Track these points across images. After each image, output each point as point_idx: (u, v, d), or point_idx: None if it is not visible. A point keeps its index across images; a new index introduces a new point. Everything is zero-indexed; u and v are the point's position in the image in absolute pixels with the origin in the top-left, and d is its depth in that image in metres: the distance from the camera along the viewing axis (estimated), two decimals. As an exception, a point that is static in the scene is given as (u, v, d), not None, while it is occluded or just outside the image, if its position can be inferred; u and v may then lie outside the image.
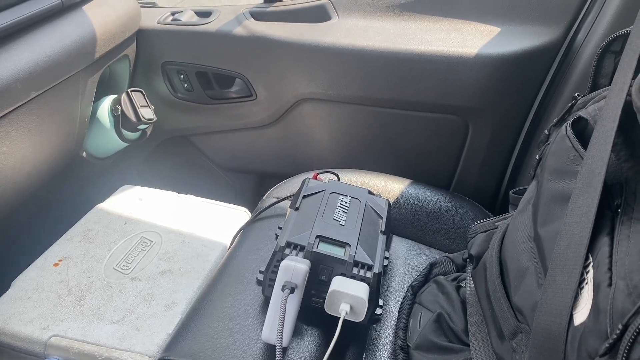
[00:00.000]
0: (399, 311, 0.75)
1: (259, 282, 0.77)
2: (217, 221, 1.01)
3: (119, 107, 1.09)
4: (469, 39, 0.99)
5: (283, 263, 0.63)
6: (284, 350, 0.64)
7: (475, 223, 0.73)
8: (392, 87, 1.03)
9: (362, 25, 1.08)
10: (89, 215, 1.00)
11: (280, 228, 0.89)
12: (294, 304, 0.62)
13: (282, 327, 0.56)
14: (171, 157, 1.36)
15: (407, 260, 0.86)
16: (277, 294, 0.62)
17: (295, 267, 0.63)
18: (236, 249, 0.86)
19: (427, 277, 0.78)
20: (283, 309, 0.57)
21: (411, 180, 0.98)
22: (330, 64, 1.06)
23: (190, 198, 1.07)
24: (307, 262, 0.65)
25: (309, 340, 0.68)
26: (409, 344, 0.68)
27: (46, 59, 0.87)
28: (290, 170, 1.14)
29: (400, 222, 0.92)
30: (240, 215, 1.04)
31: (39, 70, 0.86)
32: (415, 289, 0.76)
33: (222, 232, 0.98)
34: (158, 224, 0.98)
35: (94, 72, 1.03)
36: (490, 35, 1.00)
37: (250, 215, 1.05)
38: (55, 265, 0.88)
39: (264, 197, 0.99)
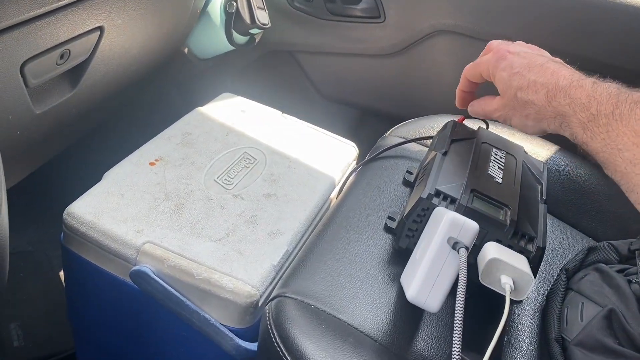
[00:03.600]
0: (548, 295, 0.63)
1: (387, 230, 0.66)
2: (323, 151, 0.90)
3: (235, 4, 0.97)
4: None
5: (450, 215, 0.52)
6: (433, 315, 0.54)
7: None
8: (561, 37, 0.86)
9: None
10: (188, 117, 0.90)
11: (409, 172, 0.77)
12: (455, 267, 0.51)
13: (463, 295, 0.44)
14: (270, 72, 1.24)
15: (548, 237, 0.74)
16: (438, 249, 0.51)
17: (465, 223, 0.51)
18: (354, 188, 0.75)
19: (582, 262, 0.66)
20: (464, 272, 0.46)
21: (559, 147, 0.84)
22: (487, -6, 0.90)
23: (294, 120, 0.96)
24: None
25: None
26: (564, 336, 0.58)
27: None
28: (404, 111, 1.01)
29: (543, 192, 0.79)
30: (347, 149, 0.93)
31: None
32: (569, 274, 0.65)
33: (329, 164, 0.87)
34: (262, 141, 0.88)
35: (215, -43, 0.91)
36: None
37: (357, 151, 0.94)
38: (152, 164, 0.79)
39: (385, 134, 0.86)
